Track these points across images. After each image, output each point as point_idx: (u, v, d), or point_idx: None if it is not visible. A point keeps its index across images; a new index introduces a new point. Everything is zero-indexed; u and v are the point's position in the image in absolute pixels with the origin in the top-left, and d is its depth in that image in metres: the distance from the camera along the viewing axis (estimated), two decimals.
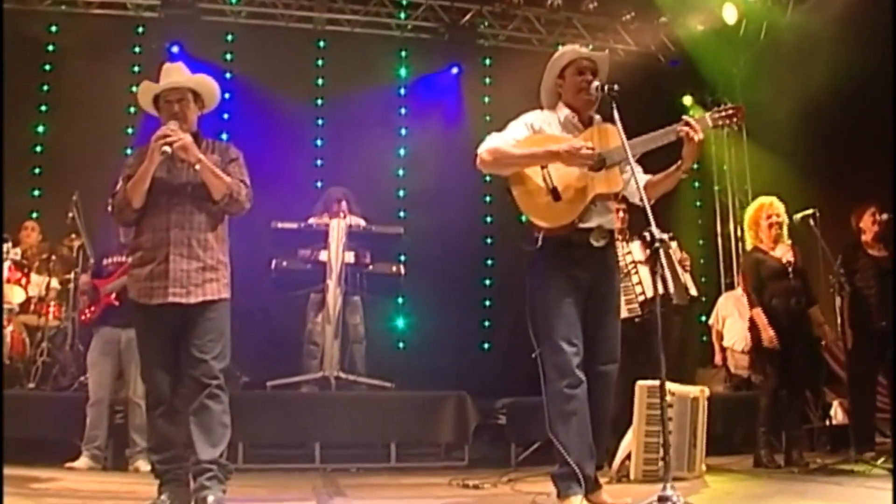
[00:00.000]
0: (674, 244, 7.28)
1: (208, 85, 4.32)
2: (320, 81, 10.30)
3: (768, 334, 6.32)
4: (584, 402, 3.85)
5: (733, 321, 8.95)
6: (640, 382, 5.54)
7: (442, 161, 9.85)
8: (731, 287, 10.26)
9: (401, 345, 9.98)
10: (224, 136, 8.50)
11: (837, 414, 8.07)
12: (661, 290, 3.55)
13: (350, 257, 7.39)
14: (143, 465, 6.18)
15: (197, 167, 4.03)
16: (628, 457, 5.60)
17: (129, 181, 4.06)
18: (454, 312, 9.84)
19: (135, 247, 4.18)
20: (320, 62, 10.34)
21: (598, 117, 4.19)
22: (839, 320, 6.59)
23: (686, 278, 7.28)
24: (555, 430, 3.81)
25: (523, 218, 4.06)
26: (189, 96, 4.23)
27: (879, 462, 5.75)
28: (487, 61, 10.86)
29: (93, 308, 6.53)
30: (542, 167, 3.98)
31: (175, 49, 9.38)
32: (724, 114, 4.06)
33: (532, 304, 4.03)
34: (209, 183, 4.06)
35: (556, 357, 3.87)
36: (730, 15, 9.89)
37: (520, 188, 3.98)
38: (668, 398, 5.61)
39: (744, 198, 11.03)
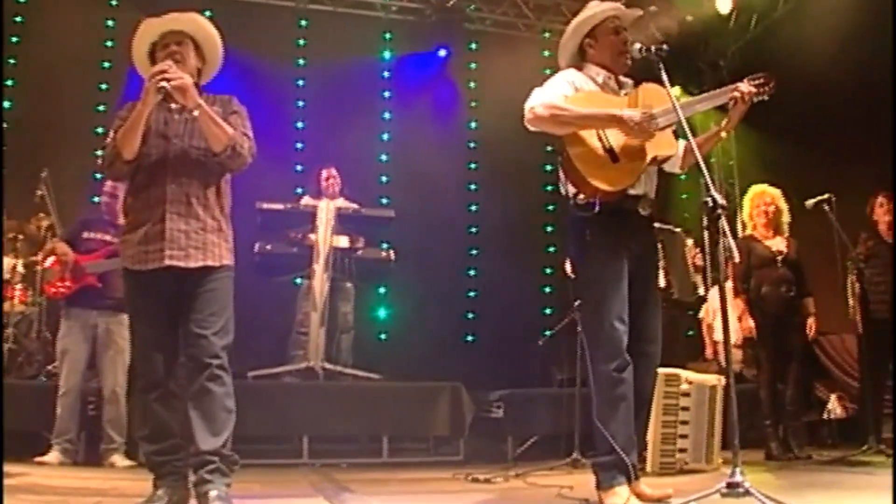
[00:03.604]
0: (689, 241, 7.13)
1: (212, 38, 3.91)
2: (301, 62, 9.93)
3: (748, 324, 6.28)
4: (631, 386, 3.55)
5: None
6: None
7: (427, 146, 9.59)
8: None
9: (382, 336, 9.63)
10: None
11: (836, 408, 7.92)
12: (735, 258, 3.26)
13: (343, 241, 7.04)
14: (120, 460, 5.84)
15: (195, 113, 3.59)
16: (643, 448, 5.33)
17: (121, 129, 3.62)
18: (437, 303, 9.53)
19: (127, 208, 3.75)
20: (302, 42, 9.96)
21: (629, 81, 3.92)
22: (850, 308, 6.45)
23: (697, 278, 7.13)
24: (602, 416, 3.49)
25: (562, 190, 3.81)
26: (189, 43, 3.80)
27: None
28: (473, 45, 10.56)
29: (68, 283, 6.04)
30: None
31: None
32: (758, 81, 3.85)
33: (585, 277, 3.72)
34: (209, 133, 3.61)
35: (608, 337, 3.55)
36: (723, 4, 9.69)
37: (577, 149, 3.64)
38: (686, 386, 5.43)
39: (731, 190, 10.88)
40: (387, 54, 10.33)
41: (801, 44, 8.71)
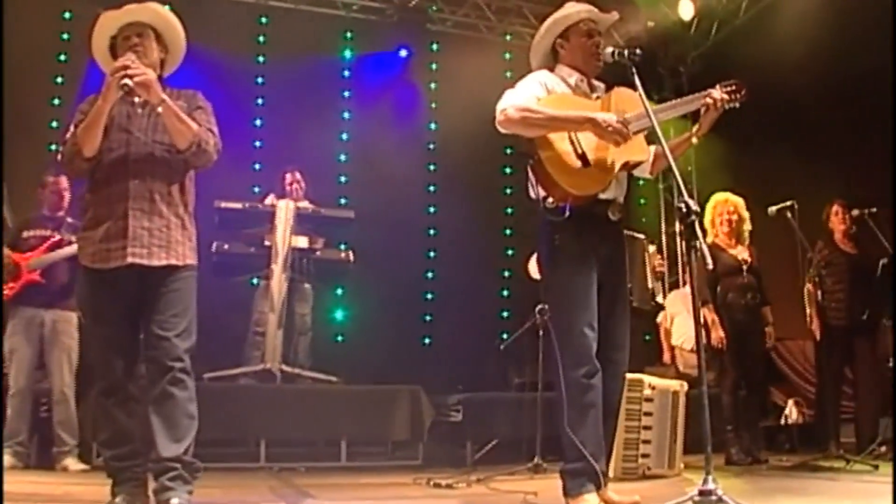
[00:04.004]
0: (651, 248, 7.15)
1: (173, 27, 3.79)
2: (261, 59, 9.75)
3: (718, 334, 6.28)
4: (600, 392, 3.51)
5: (682, 319, 8.78)
6: None
7: (386, 147, 9.48)
8: (676, 285, 10.11)
9: (339, 337, 9.49)
10: None
11: (793, 413, 8.01)
12: (709, 264, 3.22)
13: (302, 241, 6.94)
14: (73, 463, 5.71)
15: (159, 109, 3.48)
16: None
17: (81, 125, 3.49)
18: (395, 305, 9.41)
19: (87, 204, 3.61)
20: (262, 39, 9.77)
21: (601, 85, 3.89)
22: (808, 317, 6.53)
23: (657, 285, 7.16)
24: (571, 423, 3.43)
25: (531, 193, 3.70)
26: (151, 34, 3.68)
27: (860, 457, 5.69)
28: (434, 46, 10.46)
29: (10, 285, 5.90)
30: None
31: None
32: (730, 88, 3.84)
33: (553, 282, 3.66)
34: (173, 129, 3.51)
35: (577, 343, 3.50)
36: (686, 11, 9.75)
37: (548, 152, 3.57)
38: (648, 392, 5.44)
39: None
40: (347, 53, 10.20)
41: (761, 51, 8.77)
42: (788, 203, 6.12)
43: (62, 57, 8.69)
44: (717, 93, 3.77)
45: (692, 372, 8.48)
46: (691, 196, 8.82)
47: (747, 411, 6.38)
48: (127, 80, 3.39)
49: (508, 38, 10.49)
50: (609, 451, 3.78)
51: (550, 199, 3.61)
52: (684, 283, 9.78)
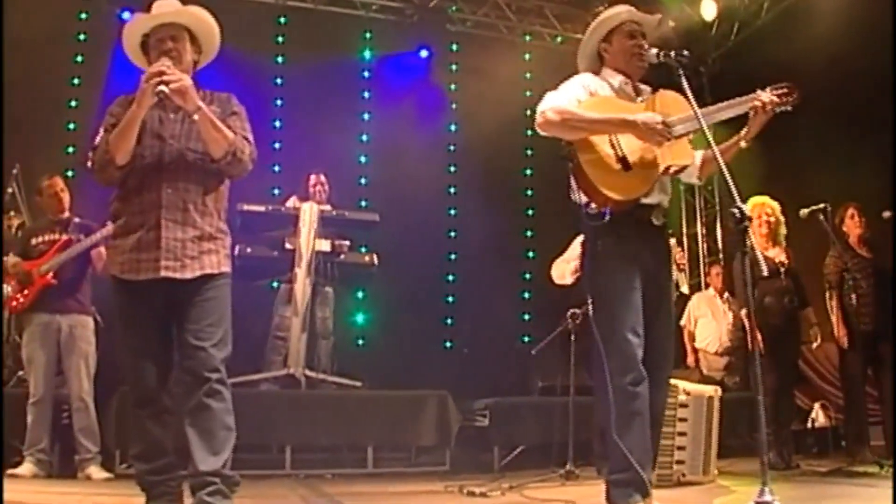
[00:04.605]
0: (672, 241, 7.08)
1: (211, 30, 3.71)
2: (280, 59, 9.69)
3: (756, 339, 6.11)
4: (647, 400, 3.43)
5: (706, 322, 8.70)
6: None
7: (406, 149, 9.42)
8: (698, 288, 10.01)
9: (360, 341, 9.42)
10: None
11: (819, 416, 7.90)
12: (764, 271, 3.13)
13: (325, 245, 6.85)
14: (97, 471, 5.62)
15: (195, 117, 3.36)
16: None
17: (113, 131, 3.38)
18: (415, 308, 9.34)
19: (117, 212, 3.49)
20: (280, 39, 9.72)
21: (647, 87, 3.80)
22: (834, 325, 6.47)
23: (679, 276, 7.08)
24: (618, 431, 3.35)
25: (573, 197, 3.61)
26: (186, 36, 3.57)
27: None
28: (454, 47, 10.40)
29: (25, 292, 5.83)
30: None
31: (126, 16, 8.62)
32: (780, 91, 3.73)
33: (596, 288, 3.57)
34: (209, 137, 3.39)
35: (623, 350, 3.43)
36: (709, 11, 9.68)
37: (588, 156, 3.50)
38: (683, 397, 5.32)
39: (710, 197, 10.86)
40: (367, 54, 10.14)
41: (782, 52, 8.70)
42: (821, 205, 6.03)
43: (79, 58, 8.65)
44: (766, 95, 3.67)
45: (716, 375, 8.41)
46: (710, 197, 8.86)
47: (779, 414, 6.29)
48: (163, 87, 3.28)
49: (528, 38, 10.46)
50: (653, 459, 3.69)
51: (592, 205, 3.54)
52: (707, 286, 9.67)
